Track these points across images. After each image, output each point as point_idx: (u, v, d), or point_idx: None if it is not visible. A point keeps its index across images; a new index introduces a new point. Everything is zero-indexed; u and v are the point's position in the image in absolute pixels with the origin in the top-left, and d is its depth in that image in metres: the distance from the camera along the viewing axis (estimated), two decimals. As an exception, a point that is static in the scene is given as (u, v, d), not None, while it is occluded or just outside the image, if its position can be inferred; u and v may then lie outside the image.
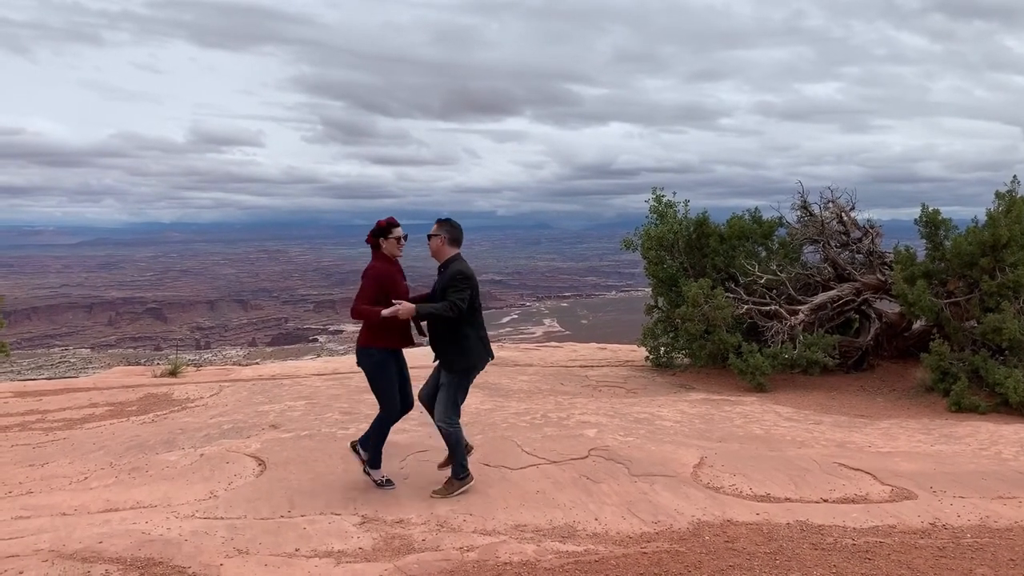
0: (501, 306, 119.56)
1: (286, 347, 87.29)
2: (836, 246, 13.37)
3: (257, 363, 17.18)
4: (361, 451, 5.71)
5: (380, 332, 5.36)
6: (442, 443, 5.62)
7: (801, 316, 12.19)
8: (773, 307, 12.31)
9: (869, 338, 12.71)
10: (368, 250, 5.50)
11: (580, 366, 13.55)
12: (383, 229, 5.44)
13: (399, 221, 5.48)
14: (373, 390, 5.52)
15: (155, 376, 12.79)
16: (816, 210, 13.56)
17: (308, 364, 15.35)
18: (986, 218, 11.15)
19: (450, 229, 5.42)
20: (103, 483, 5.99)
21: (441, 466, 5.88)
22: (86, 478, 6.18)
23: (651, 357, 13.53)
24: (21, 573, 4.14)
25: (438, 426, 5.46)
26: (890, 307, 13.22)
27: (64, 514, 5.23)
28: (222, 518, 5.06)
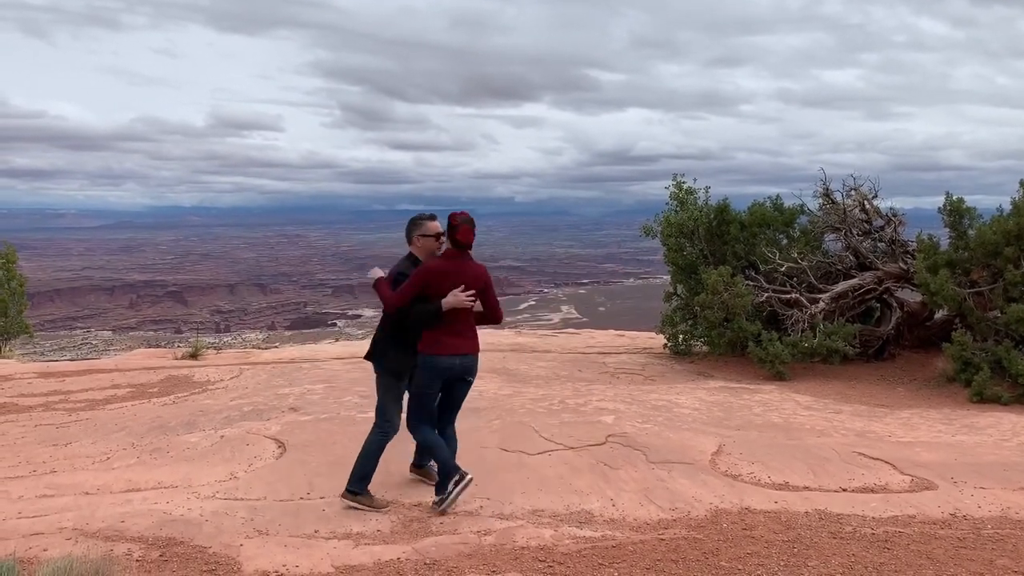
0: (519, 292, 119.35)
1: (305, 331, 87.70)
2: (858, 234, 13.23)
3: (277, 346, 17.28)
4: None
5: None
6: None
7: (822, 305, 12.09)
8: (793, 295, 12.21)
9: (890, 327, 12.59)
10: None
11: (598, 353, 13.53)
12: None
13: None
14: None
15: (176, 358, 12.90)
16: (838, 198, 13.41)
17: (327, 348, 15.41)
18: (1011, 207, 11.00)
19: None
20: (125, 463, 6.07)
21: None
22: (108, 458, 6.26)
23: (669, 344, 13.47)
24: (45, 550, 4.21)
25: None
26: (912, 296, 13.08)
27: (87, 493, 5.31)
28: (242, 499, 5.11)
